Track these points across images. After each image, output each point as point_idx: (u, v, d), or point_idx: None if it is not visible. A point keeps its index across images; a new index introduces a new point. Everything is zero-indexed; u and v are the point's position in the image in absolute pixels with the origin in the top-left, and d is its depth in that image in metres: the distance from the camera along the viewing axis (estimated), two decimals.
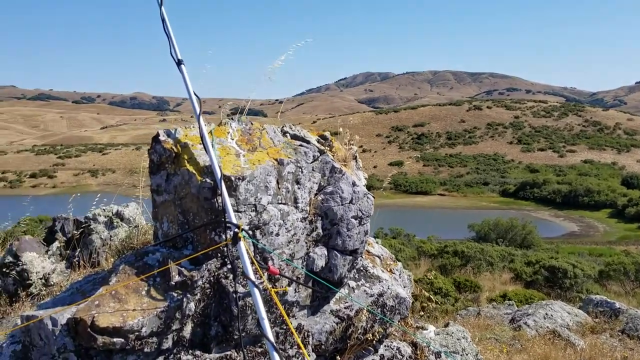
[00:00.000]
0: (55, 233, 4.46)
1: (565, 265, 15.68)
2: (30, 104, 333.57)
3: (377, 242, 4.39)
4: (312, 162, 3.53)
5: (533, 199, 68.02)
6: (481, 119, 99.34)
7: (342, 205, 3.48)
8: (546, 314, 8.10)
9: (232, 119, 3.63)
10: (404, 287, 3.99)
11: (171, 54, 3.46)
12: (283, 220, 3.19)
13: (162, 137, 3.32)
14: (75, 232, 4.40)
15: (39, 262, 4.04)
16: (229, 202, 2.88)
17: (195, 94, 3.34)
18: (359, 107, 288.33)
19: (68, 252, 4.33)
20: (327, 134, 4.05)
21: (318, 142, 3.87)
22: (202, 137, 3.15)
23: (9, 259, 4.04)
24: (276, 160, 3.31)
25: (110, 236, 4.35)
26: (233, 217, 2.83)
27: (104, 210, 4.57)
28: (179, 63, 3.45)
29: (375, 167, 79.15)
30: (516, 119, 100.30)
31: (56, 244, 4.37)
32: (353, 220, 3.50)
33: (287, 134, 3.74)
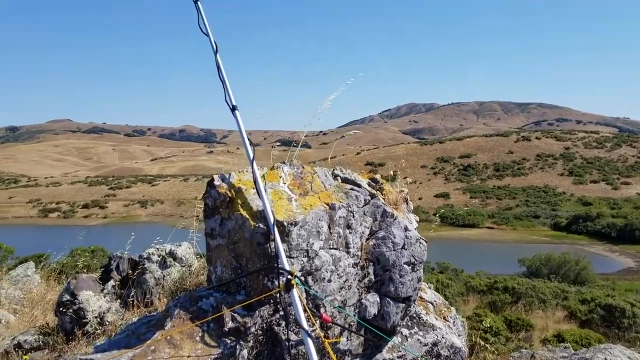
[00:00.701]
0: (111, 272, 4.57)
1: (623, 303, 14.91)
2: (84, 136, 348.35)
3: (429, 287, 4.30)
4: (363, 206, 3.52)
5: (586, 232, 65.54)
6: (530, 150, 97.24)
7: (394, 250, 3.44)
8: (605, 359, 7.68)
9: (283, 162, 3.67)
10: (459, 335, 3.88)
11: (226, 100, 3.57)
12: (335, 266, 3.18)
13: (217, 182, 3.39)
14: (130, 272, 4.50)
15: (94, 300, 4.13)
16: (281, 247, 2.89)
17: (249, 140, 3.41)
18: (403, 138, 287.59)
19: (122, 291, 4.42)
20: (377, 176, 4.05)
21: (369, 185, 3.86)
22: (255, 182, 3.21)
23: (67, 297, 4.15)
24: (328, 204, 3.31)
25: (164, 276, 4.43)
26: (286, 263, 2.83)
27: (157, 249, 4.67)
28: (233, 109, 3.56)
29: (420, 199, 78.28)
30: (567, 150, 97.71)
31: (111, 282, 4.48)
32: (406, 266, 3.45)
33: (338, 177, 3.75)
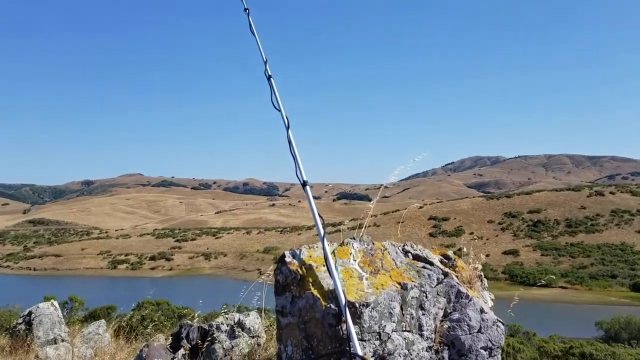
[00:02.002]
0: (181, 340, 4.63)
1: None
2: (153, 190, 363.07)
3: None
4: (436, 286, 3.42)
5: None
6: (604, 205, 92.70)
7: (469, 334, 3.30)
8: None
9: (353, 238, 3.65)
10: None
11: (297, 175, 3.62)
12: (408, 350, 3.07)
13: (288, 258, 3.40)
14: (199, 341, 4.54)
15: None
16: (353, 330, 2.83)
17: (319, 215, 3.41)
18: (468, 192, 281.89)
19: None
20: (450, 252, 3.94)
21: (441, 262, 3.76)
22: (326, 259, 3.18)
23: None
24: (399, 284, 3.24)
25: (232, 347, 4.43)
26: (358, 347, 2.76)
27: (226, 318, 4.70)
28: (304, 184, 3.60)
29: (487, 255, 75.64)
30: None
31: (181, 351, 4.52)
32: (482, 351, 3.29)
33: (409, 254, 3.68)
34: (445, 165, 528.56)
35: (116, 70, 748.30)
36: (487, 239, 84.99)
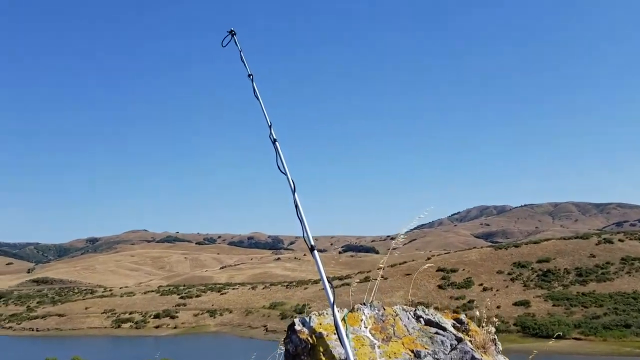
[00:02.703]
0: None
1: None
2: (158, 246, 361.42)
3: None
4: (450, 352, 3.32)
5: None
6: (614, 253, 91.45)
7: None
8: None
9: (363, 304, 3.58)
10: None
11: (304, 239, 3.59)
12: None
13: (298, 327, 3.33)
14: None
15: None
16: None
17: (329, 281, 3.37)
18: (475, 242, 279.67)
19: None
20: (462, 317, 3.85)
21: (454, 326, 3.67)
22: (336, 327, 3.11)
23: None
24: (412, 351, 3.15)
25: None
26: None
27: None
28: (312, 249, 3.56)
29: (498, 307, 74.14)
30: None
31: None
32: None
33: (421, 319, 3.59)
34: (452, 215, 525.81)
35: (118, 127, 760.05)
36: (497, 290, 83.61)
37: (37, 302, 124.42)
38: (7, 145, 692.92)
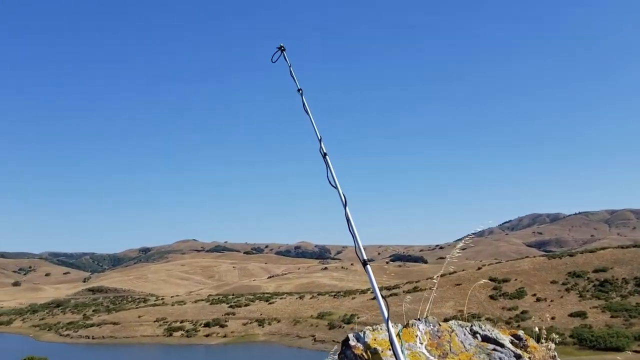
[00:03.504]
0: None
1: None
2: (207, 255, 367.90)
3: None
4: None
5: None
6: None
7: None
8: None
9: (418, 319, 3.54)
10: None
11: (357, 254, 3.58)
12: None
13: (352, 342, 3.32)
14: None
15: None
16: None
17: (383, 297, 3.34)
18: (527, 251, 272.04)
19: None
20: (520, 332, 3.75)
21: (512, 343, 3.57)
22: (391, 343, 3.08)
23: None
24: None
25: None
26: None
27: None
28: (364, 263, 3.55)
29: (553, 318, 71.68)
30: None
31: None
32: None
33: (478, 335, 3.52)
34: (503, 223, 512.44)
35: (168, 140, 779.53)
36: (551, 301, 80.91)
37: (93, 311, 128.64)
38: (63, 159, 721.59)
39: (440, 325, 3.48)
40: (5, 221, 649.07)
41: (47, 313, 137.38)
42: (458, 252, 4.55)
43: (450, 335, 3.39)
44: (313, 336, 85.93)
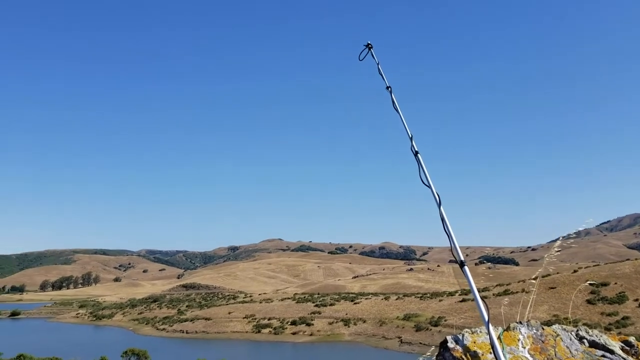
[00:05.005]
0: None
1: None
2: (293, 254, 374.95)
3: None
4: None
5: None
6: None
7: None
8: None
9: (520, 322, 3.42)
10: None
11: (453, 254, 3.51)
12: None
13: (451, 344, 3.26)
14: None
15: None
16: None
17: (482, 299, 3.27)
18: (628, 254, 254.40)
19: None
20: (631, 339, 3.52)
21: (622, 349, 3.36)
22: (492, 346, 2.99)
23: None
24: None
25: None
26: None
27: None
28: (461, 264, 3.48)
29: None
30: None
31: None
32: None
33: (584, 340, 3.34)
34: (601, 224, 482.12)
35: (257, 142, 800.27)
36: None
37: (186, 306, 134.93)
38: (159, 167, 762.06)
39: (543, 329, 3.34)
40: (107, 221, 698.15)
41: (145, 307, 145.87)
42: (557, 251, 4.34)
43: (555, 340, 3.24)
44: (399, 338, 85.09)
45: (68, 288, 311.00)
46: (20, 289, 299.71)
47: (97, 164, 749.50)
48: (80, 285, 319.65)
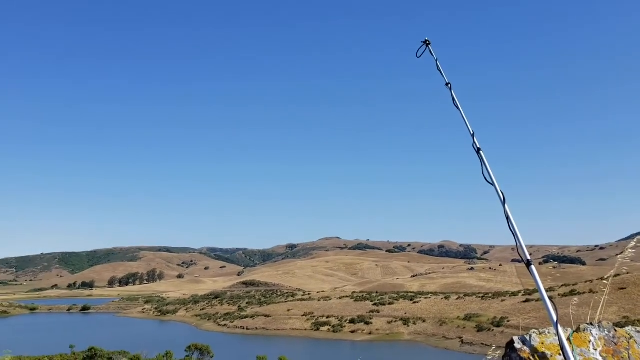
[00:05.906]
0: None
1: None
2: (350, 253, 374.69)
3: None
4: None
5: None
6: None
7: None
8: None
9: (590, 323, 3.31)
10: None
11: (519, 253, 3.43)
12: None
13: (518, 345, 3.19)
14: None
15: None
16: None
17: (550, 299, 3.18)
18: None
19: None
20: None
21: None
22: (562, 347, 2.91)
23: None
24: None
25: None
26: None
27: None
28: (528, 264, 3.39)
29: None
30: None
31: None
32: None
33: None
34: None
35: (314, 142, 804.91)
36: None
37: (247, 303, 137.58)
38: (222, 167, 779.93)
39: (615, 330, 3.21)
40: (171, 219, 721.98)
41: (206, 304, 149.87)
42: (632, 251, 4.16)
43: (629, 342, 3.11)
44: (460, 338, 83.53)
45: (134, 284, 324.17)
46: (90, 285, 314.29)
47: (170, 164, 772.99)
48: (145, 282, 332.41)
